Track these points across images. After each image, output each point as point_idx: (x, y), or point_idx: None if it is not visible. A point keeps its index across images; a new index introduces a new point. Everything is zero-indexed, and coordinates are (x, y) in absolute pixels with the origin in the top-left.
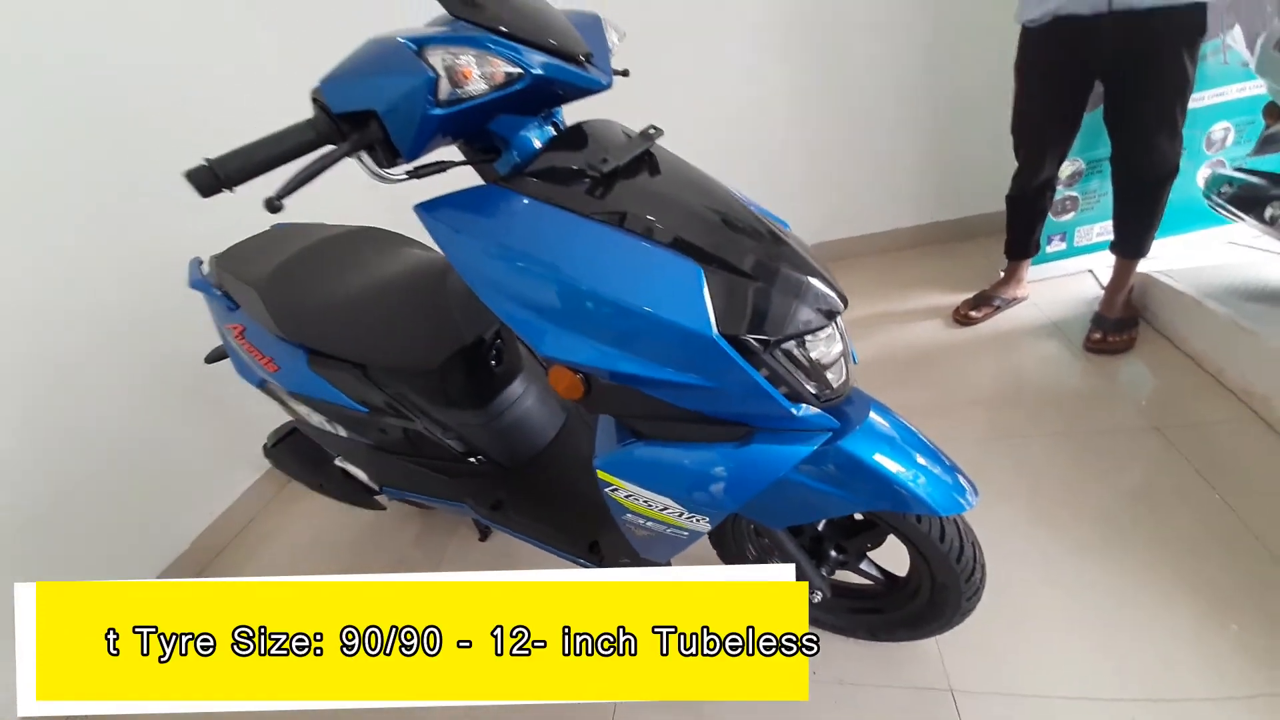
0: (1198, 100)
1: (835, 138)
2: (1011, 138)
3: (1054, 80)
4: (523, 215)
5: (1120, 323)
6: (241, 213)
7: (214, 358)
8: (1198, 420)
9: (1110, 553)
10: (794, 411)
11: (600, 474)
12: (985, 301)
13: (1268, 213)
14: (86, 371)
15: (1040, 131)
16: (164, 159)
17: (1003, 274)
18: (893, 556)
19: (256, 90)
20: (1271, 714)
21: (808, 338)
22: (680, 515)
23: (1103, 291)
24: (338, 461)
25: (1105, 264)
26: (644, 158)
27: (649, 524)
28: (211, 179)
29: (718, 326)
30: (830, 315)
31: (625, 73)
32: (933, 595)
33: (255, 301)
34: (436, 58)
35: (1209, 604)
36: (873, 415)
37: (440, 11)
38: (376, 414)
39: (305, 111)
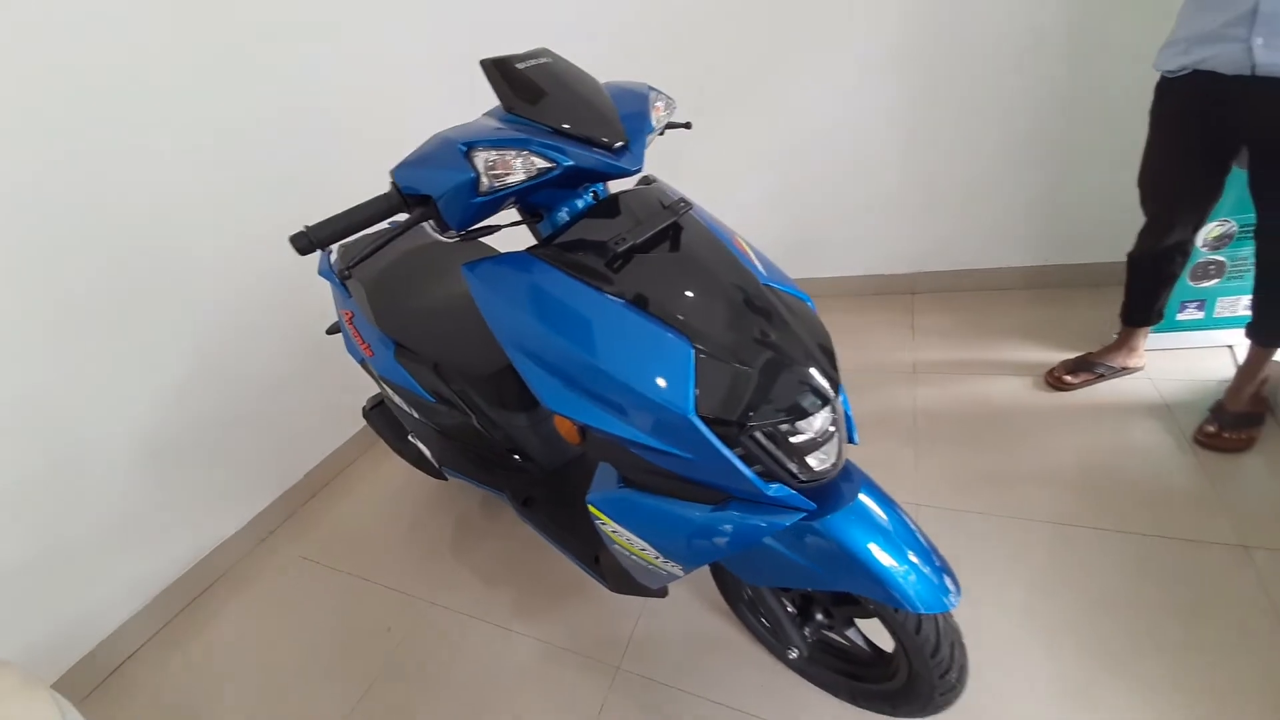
0: None
1: (945, 165)
2: (1139, 190)
3: (1190, 136)
4: (544, 283)
5: (1242, 418)
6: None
7: (332, 330)
8: None
9: (1140, 667)
10: (766, 491)
11: (590, 508)
12: (1087, 367)
13: None
14: (247, 330)
15: (1171, 188)
16: (318, 155)
17: (1116, 337)
18: (878, 629)
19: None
20: None
21: (790, 424)
22: (656, 558)
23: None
24: (410, 437)
25: (1245, 343)
26: (668, 231)
27: (631, 557)
28: (306, 242)
29: (699, 408)
30: (820, 403)
31: (688, 125)
32: (908, 681)
33: (363, 295)
34: (480, 159)
35: None
36: (862, 497)
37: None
38: (442, 404)
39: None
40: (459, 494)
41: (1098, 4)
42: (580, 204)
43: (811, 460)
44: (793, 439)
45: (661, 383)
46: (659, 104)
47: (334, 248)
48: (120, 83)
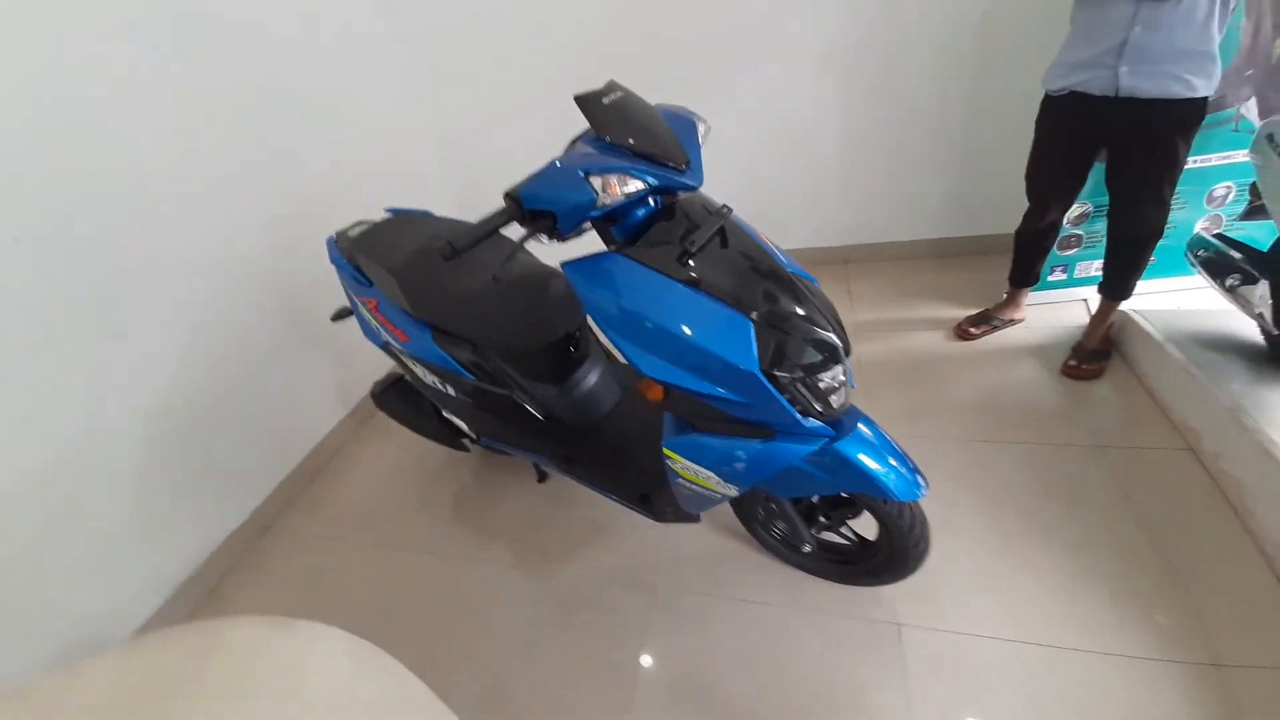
0: (1205, 161)
1: (871, 154)
2: (1025, 182)
3: (1064, 143)
4: (632, 276)
5: (1095, 353)
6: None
7: (339, 317)
8: (1139, 445)
9: (1031, 539)
10: (804, 423)
11: (665, 450)
12: (985, 320)
13: (1227, 281)
14: (238, 314)
15: (1048, 183)
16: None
17: (1005, 296)
18: (864, 525)
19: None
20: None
21: (819, 374)
22: (717, 483)
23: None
24: (445, 413)
25: (1097, 297)
26: (718, 231)
27: (693, 487)
28: (451, 251)
29: (760, 365)
30: (838, 358)
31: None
32: (890, 556)
33: (391, 284)
34: (598, 182)
35: (1101, 582)
36: (860, 426)
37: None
38: (482, 381)
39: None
40: (458, 466)
41: (996, 26)
42: (642, 211)
43: (832, 399)
44: (820, 384)
45: (734, 349)
46: (701, 127)
47: (335, 236)
48: (106, 76)
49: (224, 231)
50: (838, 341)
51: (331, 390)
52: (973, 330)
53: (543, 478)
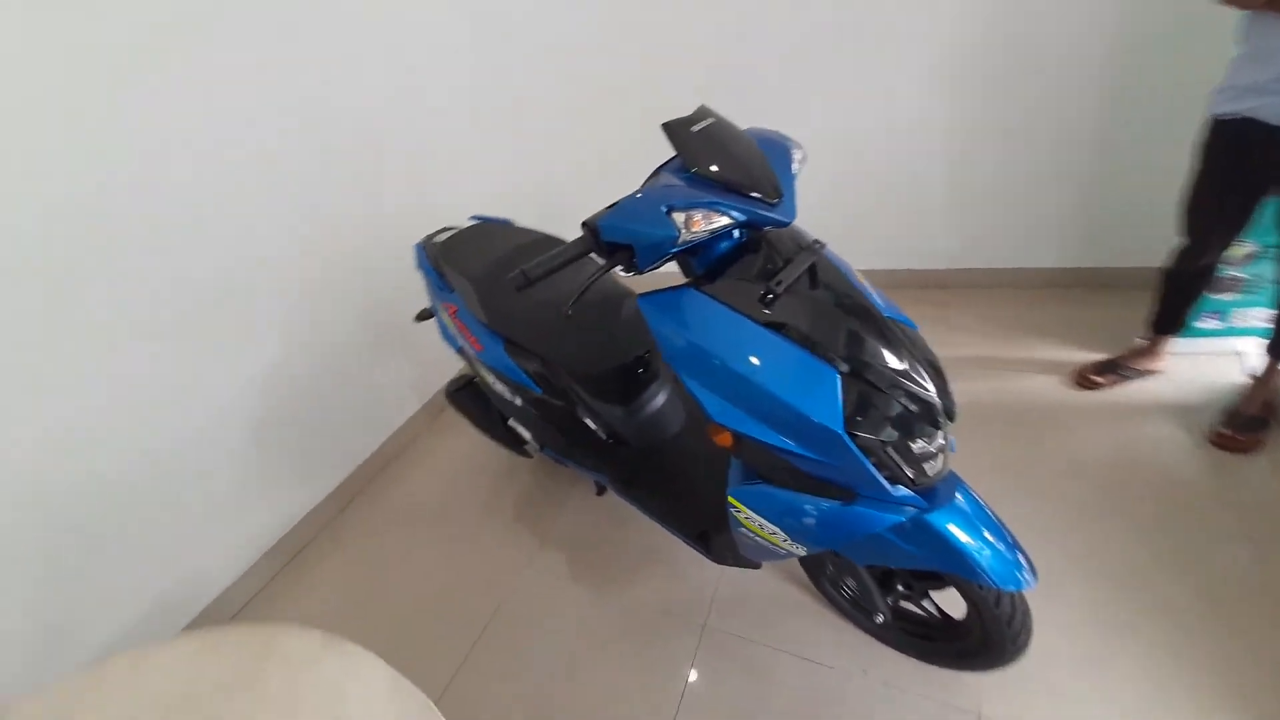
0: None
1: (987, 166)
2: (1179, 214)
3: (1233, 173)
4: (708, 314)
5: (1254, 421)
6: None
7: (422, 318)
8: None
9: (1150, 642)
10: (891, 491)
11: (730, 499)
12: (1113, 368)
13: None
14: (329, 310)
15: (1209, 218)
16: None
17: (1141, 343)
18: (950, 598)
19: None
20: None
21: (913, 438)
22: (784, 540)
23: (1247, 381)
24: (510, 422)
25: (1257, 350)
26: (809, 269)
27: (757, 539)
28: (524, 280)
29: (846, 425)
30: (937, 421)
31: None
32: (981, 644)
33: (470, 293)
34: (680, 218)
35: (1231, 705)
36: (958, 495)
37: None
38: (548, 394)
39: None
40: (522, 469)
41: (1139, 34)
42: (725, 244)
43: (927, 466)
44: (914, 449)
45: (816, 403)
46: (797, 155)
47: (423, 241)
48: (195, 76)
49: (319, 235)
50: (938, 402)
51: (409, 384)
52: (1097, 379)
53: (601, 491)
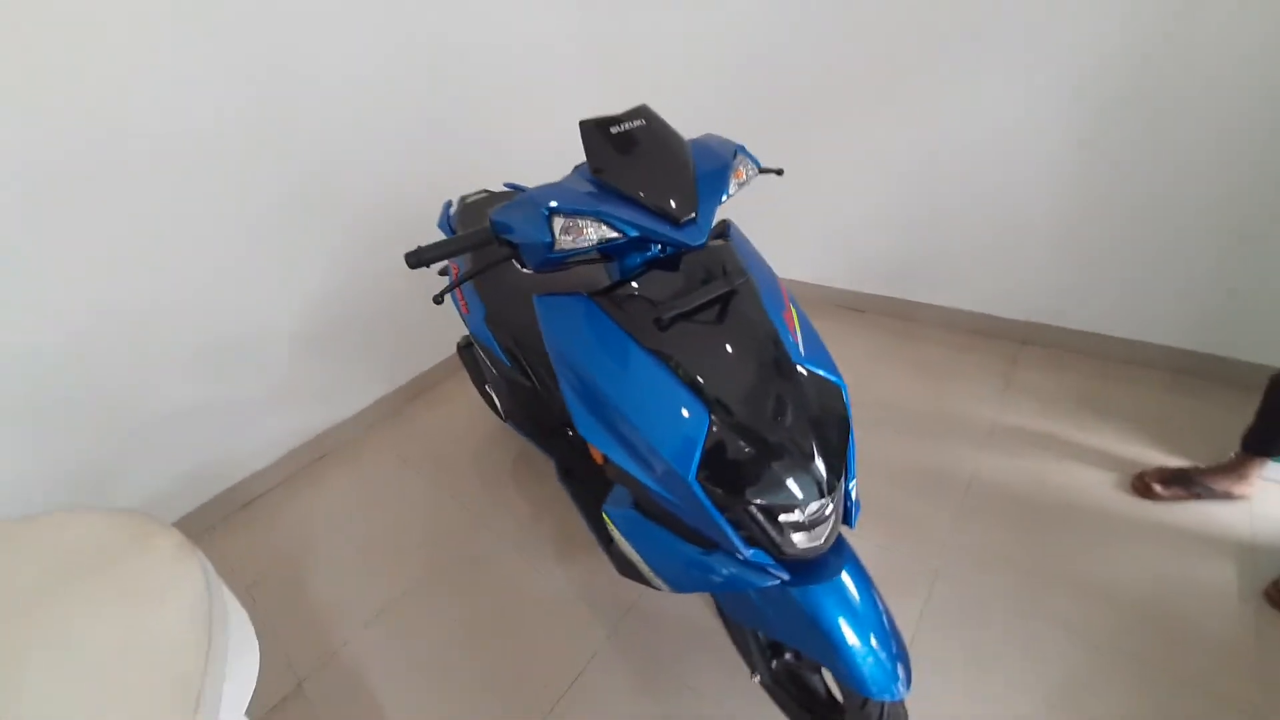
0: None
1: (1104, 211)
2: None
3: None
4: (596, 328)
5: None
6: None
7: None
8: None
9: None
10: (745, 553)
11: (605, 516)
12: (1185, 481)
13: None
14: (381, 251)
15: None
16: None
17: (1230, 457)
18: None
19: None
20: None
21: (778, 507)
22: (648, 572)
23: None
24: (486, 387)
25: None
26: (720, 298)
27: (628, 561)
28: (416, 260)
29: (701, 473)
30: (811, 494)
31: (779, 171)
32: None
33: (468, 259)
34: (559, 224)
35: None
36: (844, 575)
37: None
38: (516, 371)
39: None
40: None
41: None
42: (643, 256)
43: (797, 537)
44: (782, 518)
45: (673, 443)
46: (741, 169)
47: (455, 198)
48: (302, 22)
49: (385, 179)
50: (821, 473)
51: (445, 328)
52: (1159, 489)
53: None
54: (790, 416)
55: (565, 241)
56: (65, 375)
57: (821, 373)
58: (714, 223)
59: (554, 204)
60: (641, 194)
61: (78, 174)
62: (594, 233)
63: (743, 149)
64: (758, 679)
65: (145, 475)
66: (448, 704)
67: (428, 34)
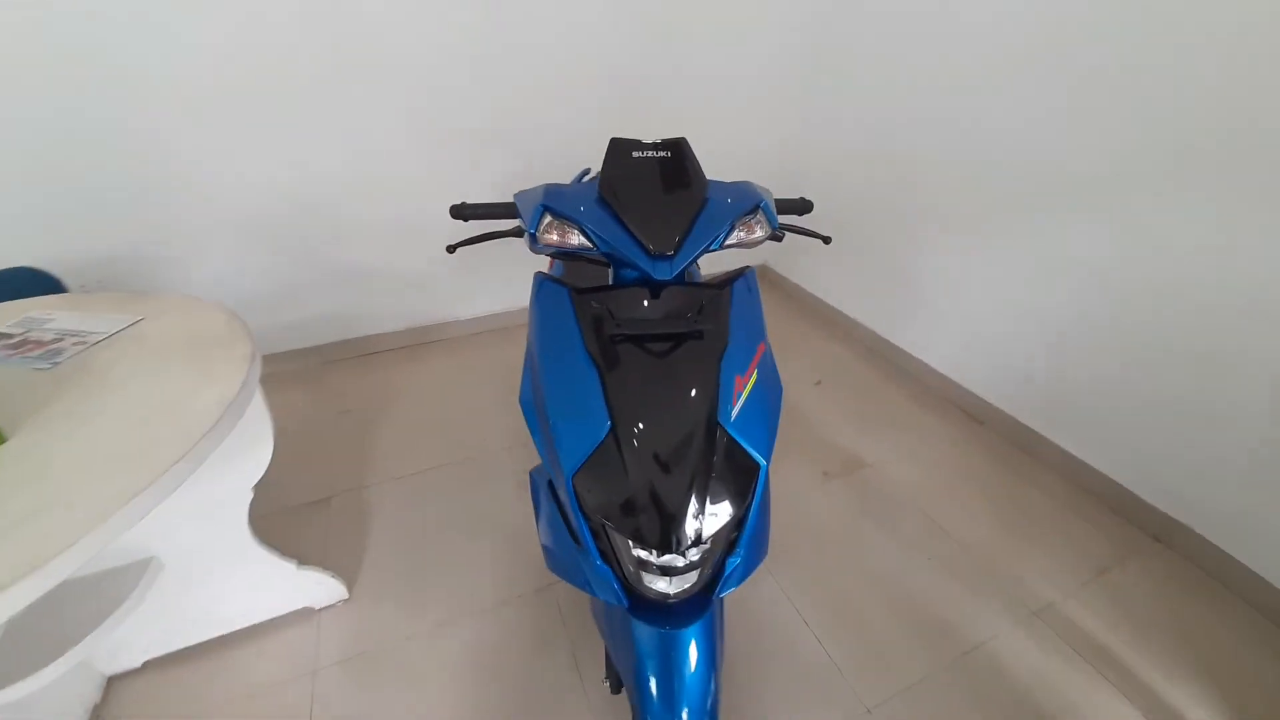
0: None
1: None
2: None
3: None
4: (562, 319)
5: None
6: None
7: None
8: None
9: None
10: (593, 561)
11: (530, 475)
12: None
13: None
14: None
15: None
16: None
17: None
18: None
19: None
20: None
21: (630, 538)
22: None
23: None
24: None
25: None
26: (676, 337)
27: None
28: (458, 212)
29: (581, 477)
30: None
31: (827, 239)
32: None
33: None
34: (545, 220)
35: None
36: (690, 634)
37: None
38: None
39: None
40: None
41: None
42: (633, 275)
43: (646, 576)
44: (635, 551)
45: (570, 440)
46: (754, 224)
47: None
48: None
49: (567, 132)
50: (682, 533)
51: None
52: None
53: None
54: (679, 471)
55: (546, 238)
56: (287, 215)
57: (745, 445)
58: (730, 269)
59: (558, 202)
60: (628, 218)
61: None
62: (575, 239)
63: (766, 206)
64: (607, 685)
65: (311, 305)
66: (428, 565)
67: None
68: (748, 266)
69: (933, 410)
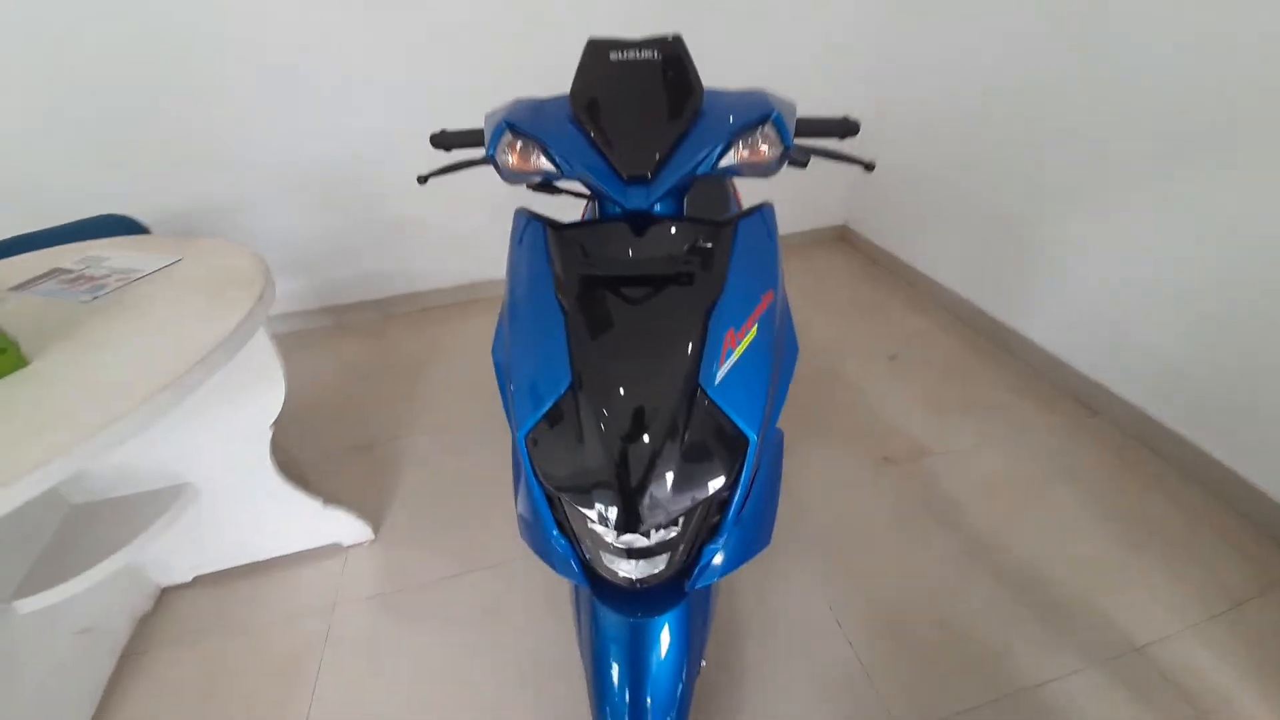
0: None
1: None
2: None
3: None
4: (535, 258)
5: None
6: None
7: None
8: None
9: None
10: (549, 533)
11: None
12: None
13: None
14: None
15: None
16: None
17: None
18: None
19: None
20: None
21: (581, 507)
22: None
23: None
24: None
25: None
26: (656, 280)
27: None
28: (439, 141)
29: (534, 436)
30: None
31: (870, 165)
32: None
33: None
34: (504, 141)
35: None
36: (660, 624)
37: None
38: None
39: None
40: None
41: None
42: (616, 209)
43: (605, 555)
44: (590, 526)
45: (525, 394)
46: (761, 143)
47: None
48: None
49: None
50: (628, 506)
51: None
52: None
53: None
54: (646, 432)
55: (504, 159)
56: (344, 172)
57: (730, 413)
58: (750, 205)
59: (511, 118)
60: (599, 135)
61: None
62: (540, 161)
63: (779, 119)
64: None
65: (368, 259)
66: (454, 516)
67: None
68: (766, 203)
69: (1032, 395)
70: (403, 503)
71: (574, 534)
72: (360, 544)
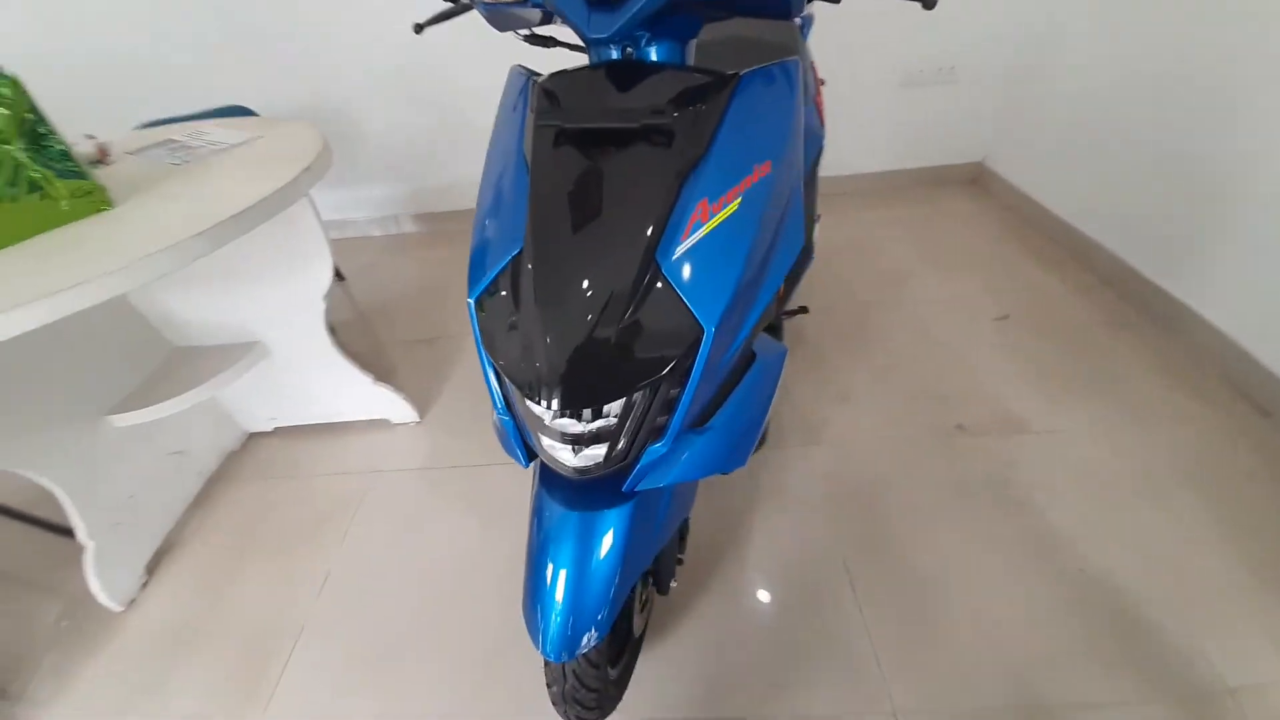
0: None
1: None
2: None
3: None
4: (513, 110)
5: None
6: None
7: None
8: None
9: None
10: (495, 405)
11: None
12: None
13: None
14: None
15: None
16: None
17: None
18: None
19: None
20: None
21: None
22: None
23: None
24: None
25: None
26: (631, 135)
27: None
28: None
29: (480, 299)
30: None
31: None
32: None
33: None
34: None
35: None
36: (611, 521)
37: None
38: None
39: None
40: None
41: None
42: (603, 56)
43: (544, 439)
44: (527, 404)
45: (480, 253)
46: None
47: None
48: None
49: None
50: (559, 386)
51: None
52: None
53: None
54: (584, 306)
55: None
56: (425, 79)
57: (684, 297)
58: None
59: None
60: None
61: None
62: None
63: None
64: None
65: (453, 168)
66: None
67: None
68: (791, 57)
69: (1185, 381)
70: (451, 393)
71: (519, 413)
72: (406, 424)
